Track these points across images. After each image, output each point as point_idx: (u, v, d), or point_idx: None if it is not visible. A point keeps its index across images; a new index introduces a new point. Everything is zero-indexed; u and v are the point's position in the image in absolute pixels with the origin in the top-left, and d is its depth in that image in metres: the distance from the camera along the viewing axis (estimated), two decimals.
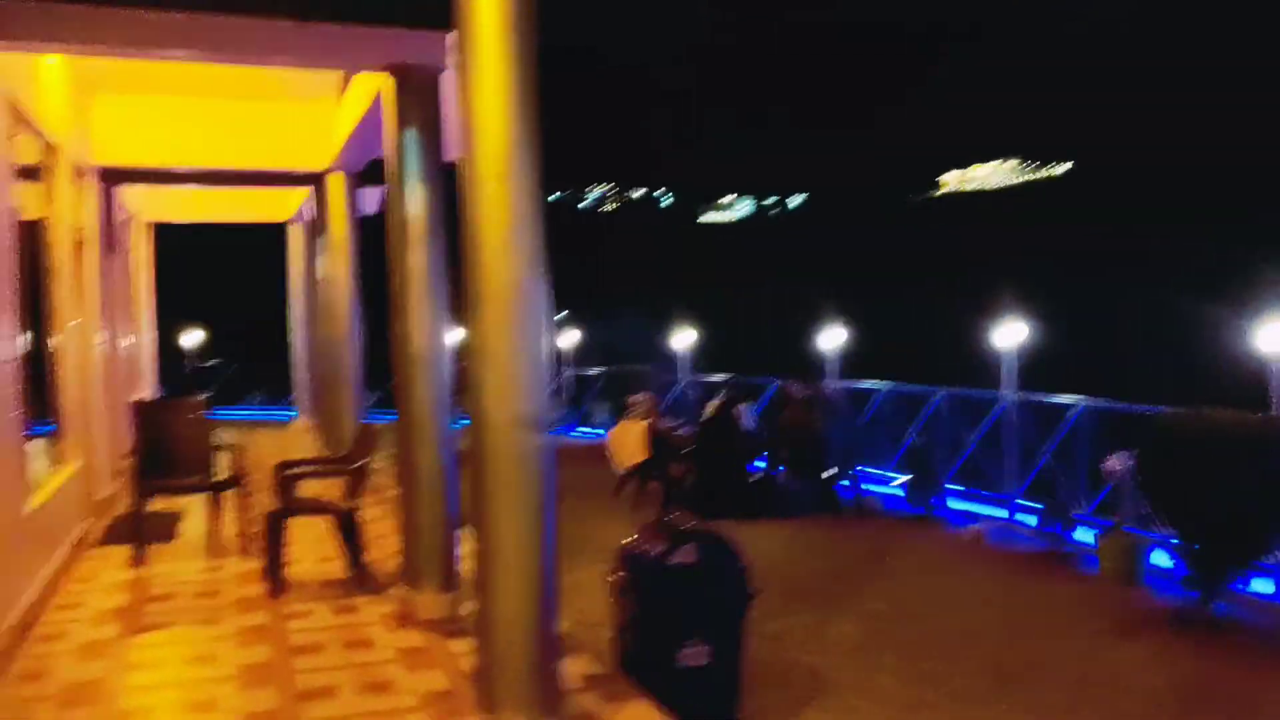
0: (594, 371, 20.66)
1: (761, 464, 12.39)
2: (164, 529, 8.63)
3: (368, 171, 10.63)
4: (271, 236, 19.74)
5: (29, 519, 6.03)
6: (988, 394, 12.43)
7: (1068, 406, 11.30)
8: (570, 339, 21.30)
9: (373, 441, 7.00)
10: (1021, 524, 11.30)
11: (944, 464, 12.43)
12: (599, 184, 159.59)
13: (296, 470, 7.14)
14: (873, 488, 12.91)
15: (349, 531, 6.96)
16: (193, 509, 9.11)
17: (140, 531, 7.55)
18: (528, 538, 4.31)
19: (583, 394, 20.79)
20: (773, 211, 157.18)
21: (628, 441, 12.31)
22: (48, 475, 7.16)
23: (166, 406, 8.23)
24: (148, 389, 14.72)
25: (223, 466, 8.22)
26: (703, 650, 5.32)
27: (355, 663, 5.42)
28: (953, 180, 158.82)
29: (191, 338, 23.72)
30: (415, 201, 5.94)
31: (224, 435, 9.34)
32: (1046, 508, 10.67)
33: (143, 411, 8.04)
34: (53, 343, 7.66)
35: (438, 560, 6.03)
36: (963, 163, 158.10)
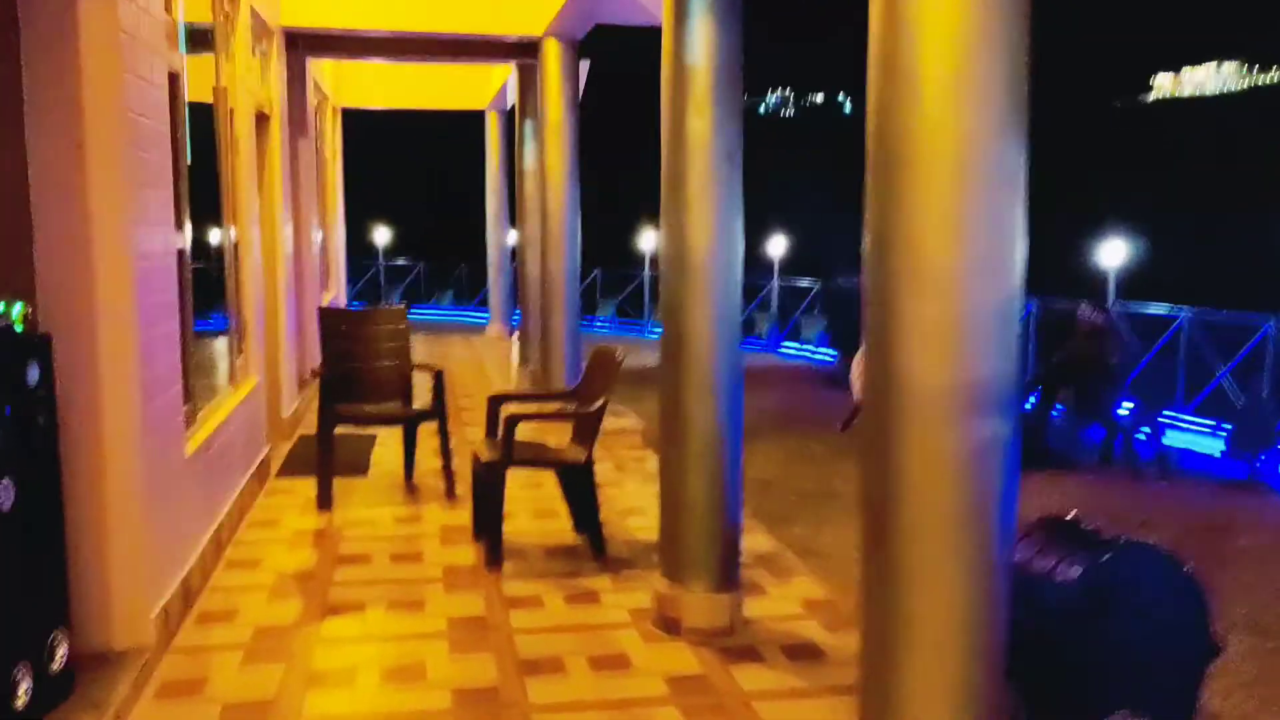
0: (805, 283, 18.70)
1: (1032, 401, 10.30)
2: (354, 459, 7.37)
3: (587, 41, 8.90)
4: (464, 126, 18.47)
5: (191, 463, 4.71)
6: None
7: None
8: (777, 246, 19.32)
9: (610, 374, 5.38)
10: None
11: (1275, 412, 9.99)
12: (775, 89, 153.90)
13: (515, 407, 5.62)
14: (1173, 438, 10.61)
15: (582, 491, 5.41)
16: (386, 433, 7.84)
17: (327, 467, 6.24)
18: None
19: (791, 308, 18.88)
20: None
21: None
22: (222, 395, 5.88)
23: (360, 317, 6.86)
24: (340, 292, 13.70)
25: (423, 391, 6.83)
26: None
27: (610, 698, 3.86)
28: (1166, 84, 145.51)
29: (381, 235, 22.91)
30: (701, 41, 4.15)
31: (422, 351, 7.98)
32: None
33: (332, 322, 6.69)
34: (231, 235, 6.35)
35: (712, 547, 4.39)
36: (1173, 64, 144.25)
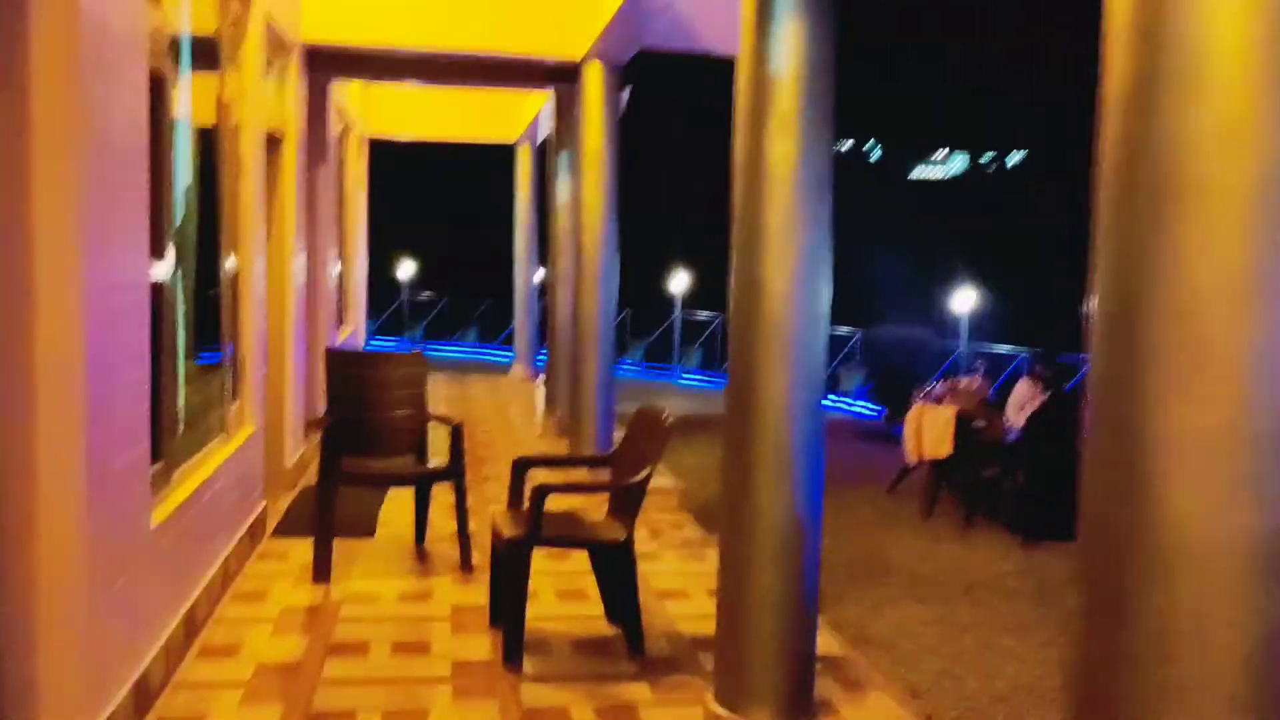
0: (844, 331, 17.91)
1: None
2: (360, 517, 6.60)
3: (630, 65, 8.21)
4: (493, 159, 17.90)
5: (159, 535, 3.95)
6: None
7: None
8: None
9: (657, 439, 4.60)
10: None
11: None
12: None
13: (544, 474, 4.85)
14: None
15: (620, 574, 4.61)
16: (397, 489, 7.08)
17: (326, 532, 5.47)
18: None
19: (832, 355, 18.08)
20: (991, 168, 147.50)
21: (932, 430, 9.54)
22: (210, 447, 5.13)
23: (372, 360, 6.14)
24: (359, 327, 13.02)
25: (438, 447, 6.07)
26: None
27: None
28: None
29: (405, 269, 22.32)
30: (787, 46, 3.41)
31: (441, 393, 7.21)
32: None
33: (340, 365, 5.95)
34: (230, 265, 5.64)
35: (782, 669, 3.57)
36: None
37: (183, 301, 5.32)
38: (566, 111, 9.79)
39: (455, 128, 14.10)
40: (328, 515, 5.46)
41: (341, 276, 11.32)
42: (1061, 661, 5.78)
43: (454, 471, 5.69)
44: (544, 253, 14.12)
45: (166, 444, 4.26)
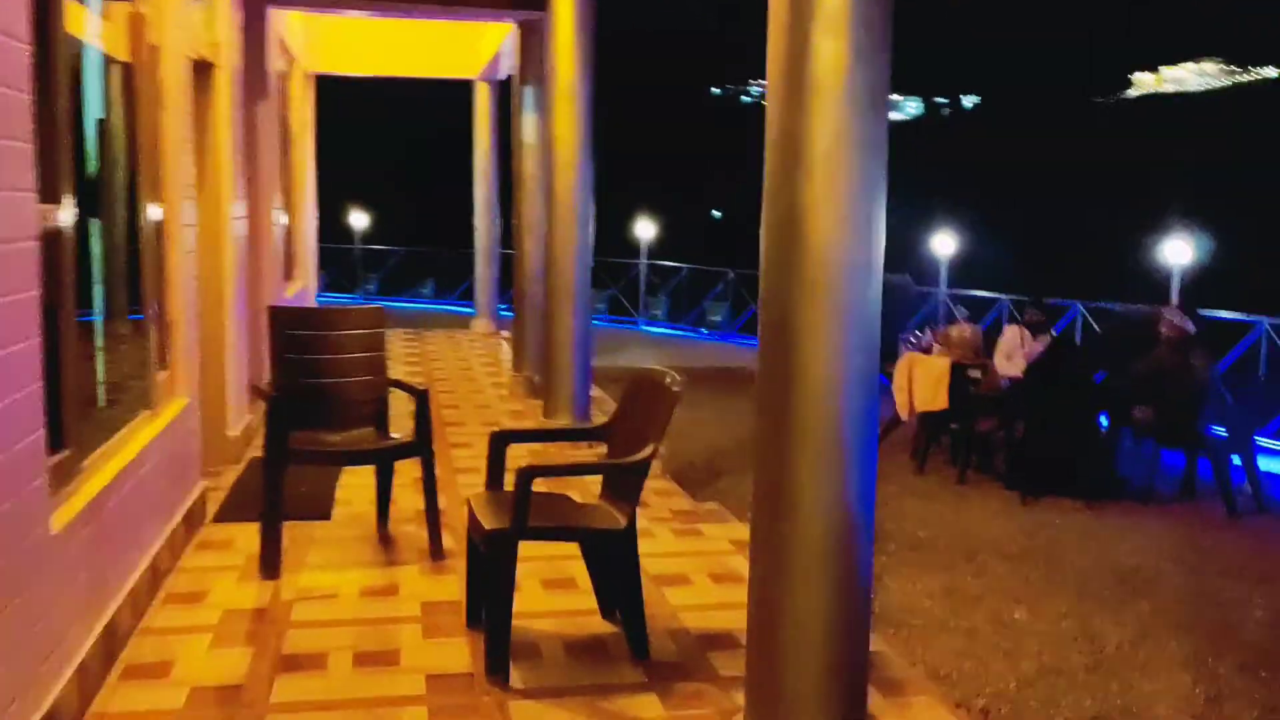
0: None
1: (1104, 421, 8.93)
2: (314, 496, 5.89)
3: None
4: (448, 98, 16.93)
5: (63, 540, 3.22)
6: None
7: None
8: None
9: (660, 410, 3.91)
10: None
11: None
12: (758, 80, 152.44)
13: (530, 454, 4.16)
14: (1266, 464, 9.24)
15: (619, 567, 3.96)
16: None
17: (274, 519, 4.75)
18: None
19: None
20: (945, 111, 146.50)
21: (924, 381, 8.97)
22: (130, 427, 4.38)
23: (323, 318, 5.38)
24: (310, 282, 12.15)
25: (401, 417, 5.38)
26: None
27: None
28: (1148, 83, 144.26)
29: (358, 219, 21.31)
30: None
31: (400, 349, 6.46)
32: None
33: (285, 324, 5.19)
34: (154, 216, 4.85)
35: (829, 690, 2.94)
36: (1152, 63, 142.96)
37: (102, 254, 4.55)
38: (531, 44, 8.97)
39: (408, 63, 13.17)
40: (275, 500, 4.74)
41: (289, 227, 10.46)
42: (1084, 635, 5.32)
43: (421, 447, 4.99)
44: (506, 199, 13.35)
45: (74, 427, 3.52)
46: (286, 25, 10.16)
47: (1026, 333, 9.83)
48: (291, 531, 5.10)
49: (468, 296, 19.97)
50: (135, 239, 4.63)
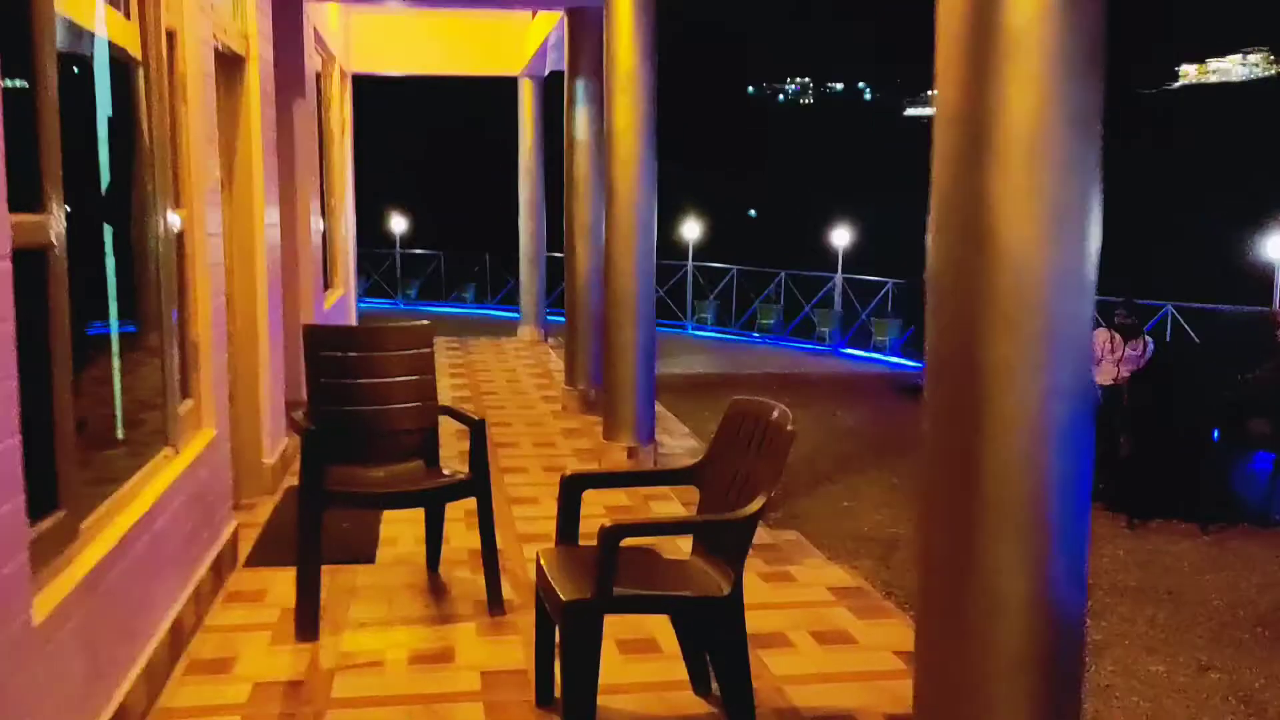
0: (873, 279, 16.52)
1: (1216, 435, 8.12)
2: (357, 535, 5.28)
3: None
4: (490, 95, 16.37)
5: (46, 632, 2.60)
6: None
7: None
8: (840, 238, 17.14)
9: (776, 454, 3.23)
10: None
11: None
12: (796, 77, 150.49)
13: (612, 504, 3.51)
14: None
15: (723, 640, 3.28)
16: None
17: (311, 573, 4.13)
18: None
19: (860, 306, 16.69)
20: None
21: None
22: (145, 472, 3.77)
23: (365, 338, 4.77)
24: (349, 290, 11.60)
25: (451, 446, 4.75)
26: None
27: None
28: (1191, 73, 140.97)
29: (397, 223, 20.82)
30: None
31: (444, 364, 5.76)
32: None
33: (322, 345, 4.58)
34: (177, 220, 4.25)
35: None
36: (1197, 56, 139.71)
37: (114, 271, 3.97)
38: (583, 34, 8.34)
39: (448, 61, 12.59)
40: (312, 547, 4.13)
41: (327, 232, 9.90)
42: (1234, 693, 4.60)
43: (477, 485, 4.35)
44: (551, 200, 12.74)
45: (70, 481, 2.91)
46: (325, 22, 9.61)
47: (1117, 337, 9.07)
48: (331, 577, 4.51)
49: (509, 301, 19.44)
50: (153, 250, 4.03)
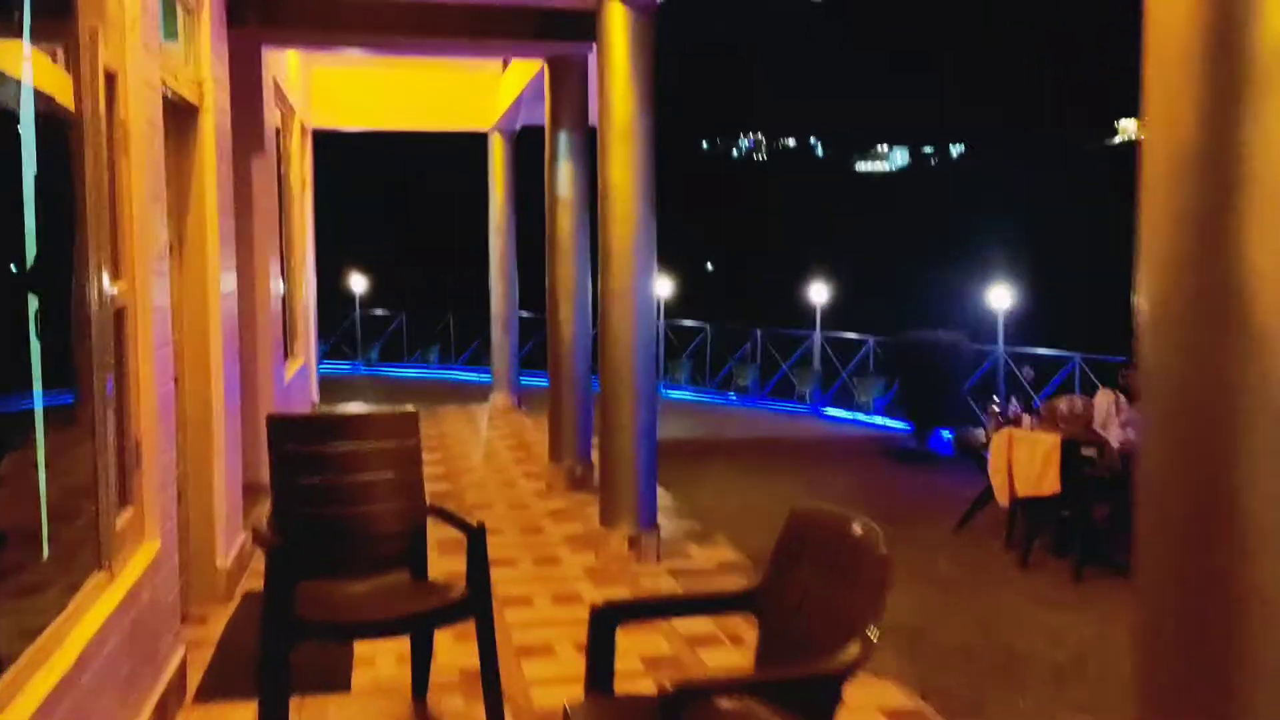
0: (853, 337, 16.02)
1: None
2: (326, 661, 4.52)
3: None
4: (454, 153, 15.80)
5: None
6: None
7: None
8: (819, 294, 16.66)
9: (870, 582, 2.59)
10: None
11: None
12: (748, 132, 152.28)
13: (642, 640, 2.84)
14: None
15: None
16: None
17: (276, 706, 3.40)
18: None
19: (835, 363, 16.18)
20: (933, 161, 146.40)
21: (1028, 460, 7.66)
22: (75, 601, 3.04)
23: (338, 428, 4.07)
24: (310, 358, 10.84)
25: (439, 550, 4.05)
26: None
27: None
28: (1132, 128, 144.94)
29: (357, 282, 20.08)
30: None
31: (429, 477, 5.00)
32: None
33: (289, 438, 3.88)
34: (101, 290, 3.57)
35: None
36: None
37: (37, 359, 3.28)
38: (565, 83, 7.79)
39: (415, 116, 12.02)
40: (277, 685, 3.40)
41: (287, 297, 9.20)
42: None
43: (476, 605, 3.66)
44: (523, 259, 12.13)
45: None
46: (284, 74, 9.00)
47: (1122, 398, 8.60)
48: (298, 712, 3.78)
49: (475, 362, 18.71)
50: (86, 330, 3.34)
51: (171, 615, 4.03)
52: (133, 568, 3.52)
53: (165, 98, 4.27)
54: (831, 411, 15.55)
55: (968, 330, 13.35)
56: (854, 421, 14.88)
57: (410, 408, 4.15)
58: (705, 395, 17.26)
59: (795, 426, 14.63)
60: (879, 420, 14.64)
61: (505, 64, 10.64)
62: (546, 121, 7.93)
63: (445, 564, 4.85)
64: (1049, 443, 7.55)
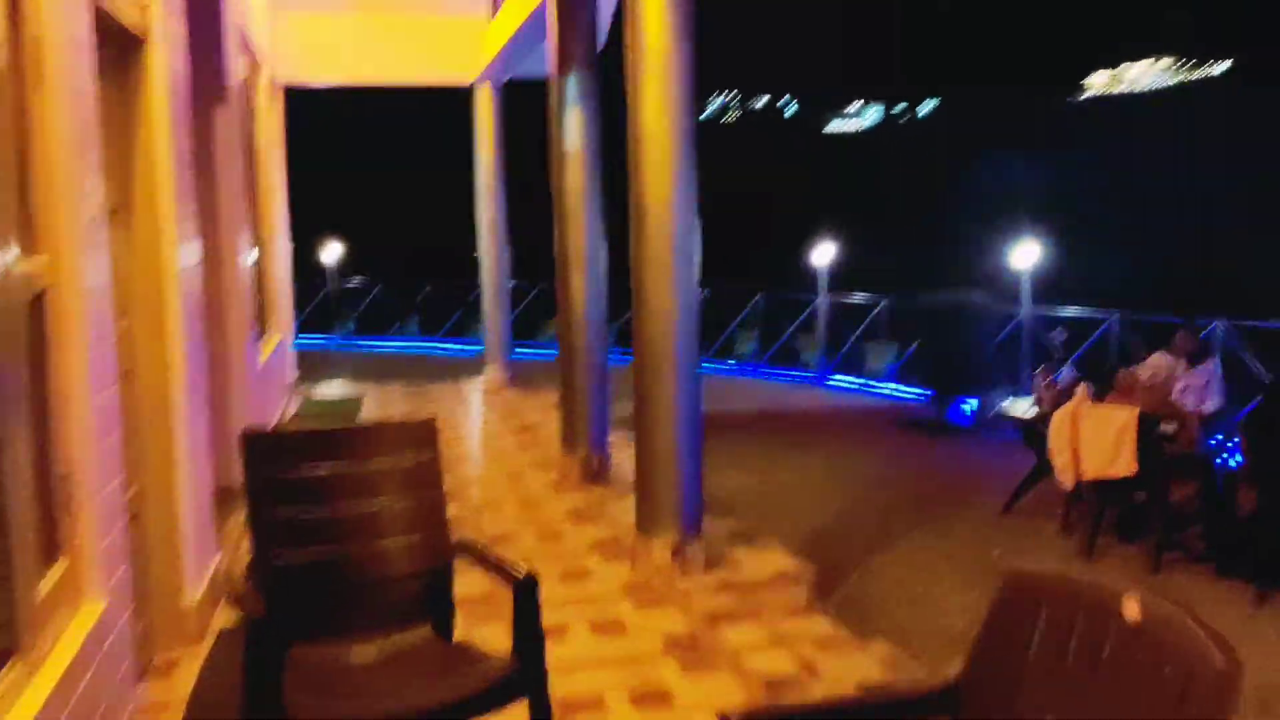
0: (862, 298, 15.11)
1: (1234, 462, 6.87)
2: None
3: None
4: (432, 108, 14.70)
5: None
6: None
7: None
8: (824, 255, 15.66)
9: (1142, 685, 1.73)
10: None
11: None
12: (720, 92, 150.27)
13: None
14: None
15: None
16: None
17: None
18: None
19: (842, 329, 15.27)
20: (903, 120, 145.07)
21: (1098, 438, 6.81)
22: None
23: (334, 445, 3.12)
24: (286, 334, 9.82)
25: (470, 600, 3.15)
26: None
27: None
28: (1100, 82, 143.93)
29: (330, 251, 18.95)
30: None
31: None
32: None
33: (273, 463, 2.94)
34: (33, 267, 2.61)
35: None
36: (1112, 62, 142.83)
37: None
38: (575, 19, 6.79)
39: (392, 68, 10.92)
40: None
41: (258, 268, 8.19)
42: None
43: (528, 680, 2.76)
44: (514, 222, 11.16)
45: None
46: (250, 22, 7.93)
47: (1183, 363, 7.82)
48: None
49: (457, 332, 17.68)
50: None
51: (124, 686, 3.10)
52: (66, 644, 2.60)
53: (99, 13, 3.28)
54: (838, 379, 14.67)
55: (988, 290, 12.48)
56: (864, 390, 14.01)
57: (426, 419, 3.20)
58: (705, 363, 16.27)
59: (803, 396, 13.73)
60: (890, 388, 13.78)
61: (495, 6, 9.61)
62: (552, 61, 6.92)
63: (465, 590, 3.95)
64: (1123, 418, 6.69)
